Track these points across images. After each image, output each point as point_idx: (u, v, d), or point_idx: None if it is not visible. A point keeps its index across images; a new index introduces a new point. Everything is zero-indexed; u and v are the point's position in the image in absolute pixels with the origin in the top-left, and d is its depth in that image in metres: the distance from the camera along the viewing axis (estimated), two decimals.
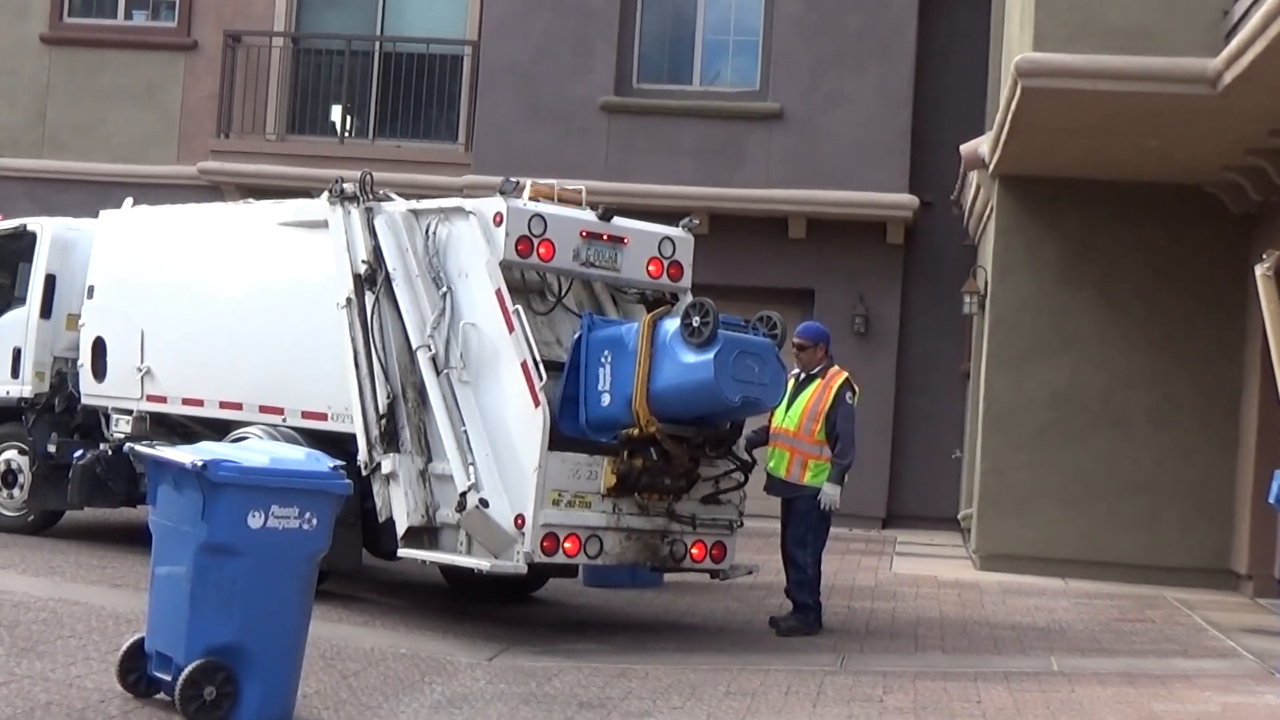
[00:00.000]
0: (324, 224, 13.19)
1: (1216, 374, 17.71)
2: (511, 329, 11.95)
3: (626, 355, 12.14)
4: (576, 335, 12.36)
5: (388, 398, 12.34)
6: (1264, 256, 12.41)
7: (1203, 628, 14.29)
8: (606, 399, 12.13)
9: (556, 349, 13.11)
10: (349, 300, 12.68)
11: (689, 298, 12.67)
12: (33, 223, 16.95)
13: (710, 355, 11.82)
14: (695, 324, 11.93)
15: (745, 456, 12.89)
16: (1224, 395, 17.66)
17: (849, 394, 13.09)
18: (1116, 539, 17.64)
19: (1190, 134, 15.49)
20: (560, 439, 11.98)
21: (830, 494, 12.91)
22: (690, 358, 11.90)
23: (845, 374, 13.28)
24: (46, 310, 16.33)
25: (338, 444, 12.35)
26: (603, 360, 12.17)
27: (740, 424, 12.85)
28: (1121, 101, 14.76)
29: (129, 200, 16.39)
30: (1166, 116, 15.02)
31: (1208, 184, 17.32)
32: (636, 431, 12.03)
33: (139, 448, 9.09)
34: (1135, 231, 17.89)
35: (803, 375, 13.29)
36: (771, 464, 13.14)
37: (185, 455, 8.54)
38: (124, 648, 8.92)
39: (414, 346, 12.38)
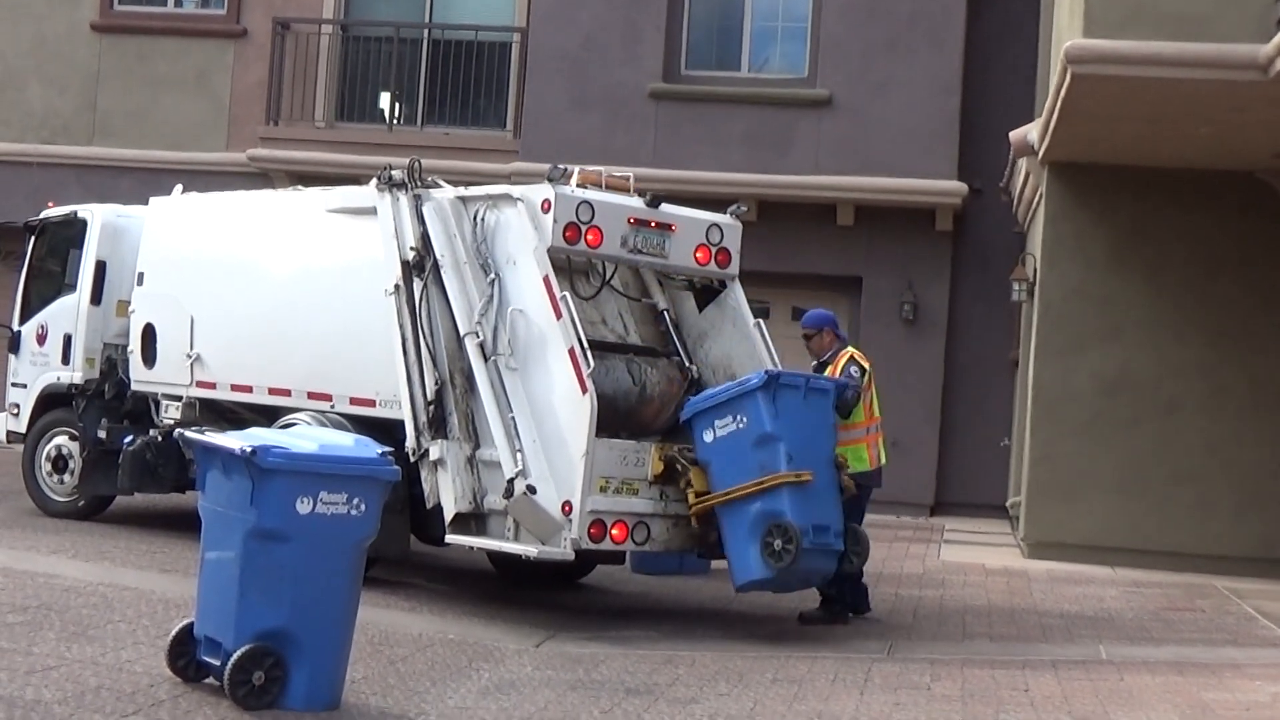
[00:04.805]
0: (372, 211, 13.23)
1: (1268, 362, 17.61)
2: (559, 315, 11.95)
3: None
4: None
5: (436, 384, 12.36)
6: None
7: (1253, 617, 14.21)
8: None
9: (602, 329, 13.17)
10: (397, 287, 12.71)
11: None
12: (83, 210, 17.08)
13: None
14: (778, 547, 11.73)
15: None
16: (1275, 383, 17.56)
17: (853, 367, 12.96)
18: (1166, 527, 17.55)
19: (1242, 121, 15.39)
20: (607, 424, 12.01)
21: None
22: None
23: (850, 350, 13.21)
24: (97, 297, 16.46)
25: (386, 430, 12.40)
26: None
27: None
28: (1172, 88, 14.67)
29: (179, 187, 16.49)
30: (1217, 103, 14.92)
31: (1260, 171, 17.20)
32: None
33: (188, 433, 9.13)
34: (1186, 219, 17.79)
35: (815, 364, 13.27)
36: None
37: (234, 441, 8.58)
38: (173, 632, 8.97)
39: (462, 333, 12.40)
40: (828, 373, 13.00)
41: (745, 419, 11.87)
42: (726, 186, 21.22)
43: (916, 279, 22.46)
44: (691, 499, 12.10)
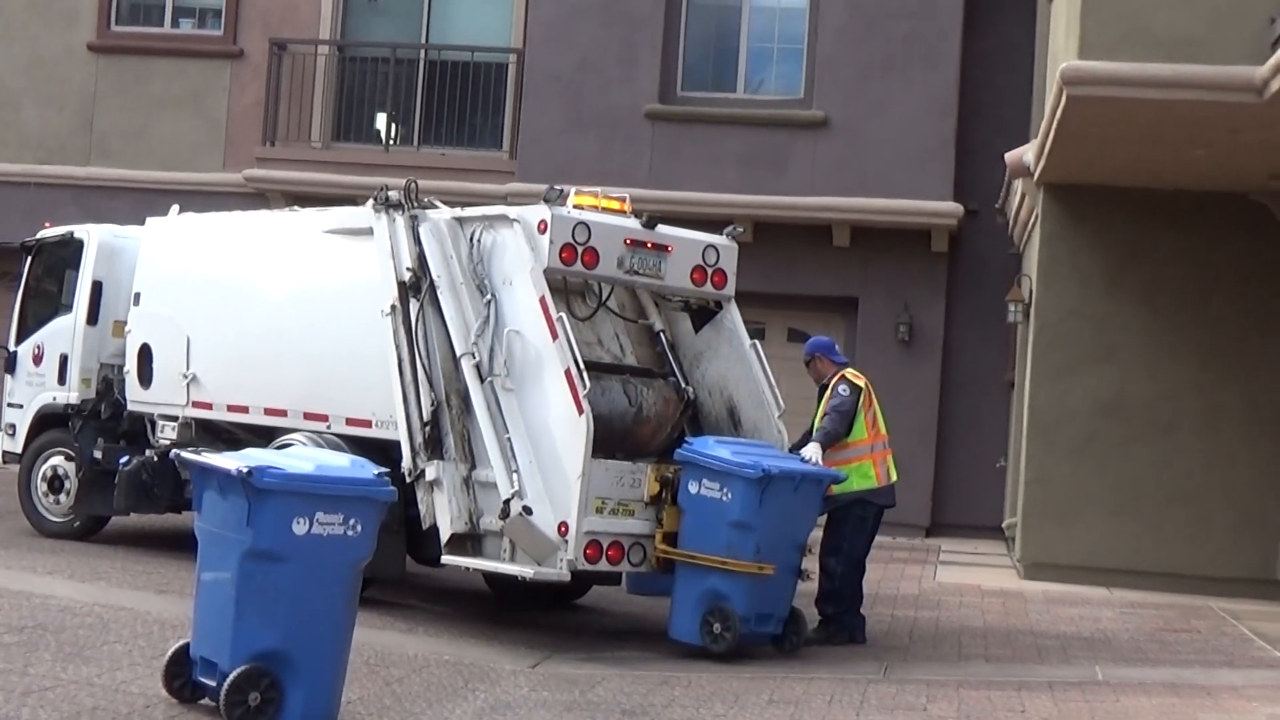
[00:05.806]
0: (369, 231, 13.24)
1: (1263, 383, 17.62)
2: (555, 336, 11.96)
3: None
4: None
5: (432, 405, 12.36)
6: None
7: (1249, 638, 14.21)
8: None
9: (599, 350, 13.17)
10: (393, 307, 12.71)
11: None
12: (80, 230, 17.08)
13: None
14: (716, 630, 11.99)
15: None
16: (1271, 404, 17.57)
17: (842, 385, 13.05)
18: (1162, 548, 17.54)
19: (1237, 142, 15.41)
20: (603, 446, 12.02)
21: (808, 453, 12.79)
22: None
23: (843, 372, 13.26)
24: (93, 317, 16.46)
25: (382, 451, 12.39)
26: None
27: None
28: (1167, 110, 14.69)
29: (175, 207, 16.49)
30: (1213, 125, 14.95)
31: (1254, 193, 17.22)
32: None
33: (184, 454, 9.13)
34: (1181, 240, 17.80)
35: (820, 388, 13.34)
36: None
37: (230, 462, 8.58)
38: (169, 653, 8.97)
39: (458, 354, 12.41)
40: (825, 396, 13.07)
41: (730, 495, 11.97)
42: (722, 207, 21.22)
43: (912, 300, 22.46)
44: (658, 539, 12.21)
